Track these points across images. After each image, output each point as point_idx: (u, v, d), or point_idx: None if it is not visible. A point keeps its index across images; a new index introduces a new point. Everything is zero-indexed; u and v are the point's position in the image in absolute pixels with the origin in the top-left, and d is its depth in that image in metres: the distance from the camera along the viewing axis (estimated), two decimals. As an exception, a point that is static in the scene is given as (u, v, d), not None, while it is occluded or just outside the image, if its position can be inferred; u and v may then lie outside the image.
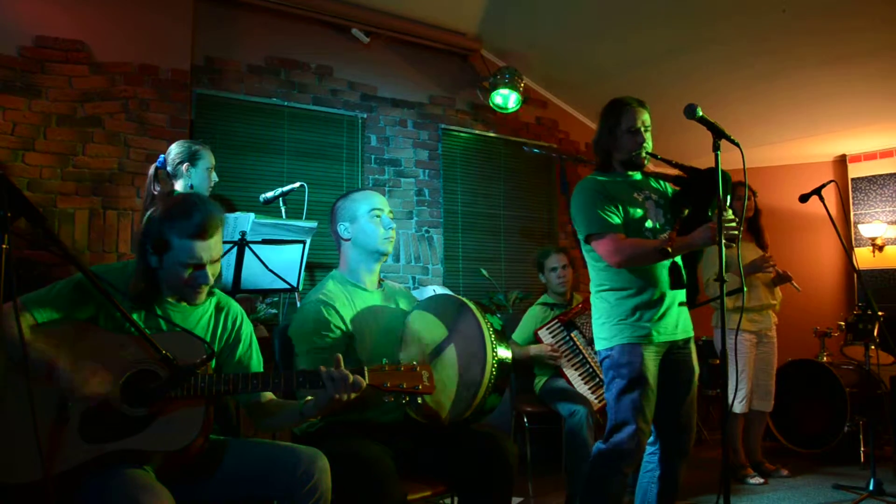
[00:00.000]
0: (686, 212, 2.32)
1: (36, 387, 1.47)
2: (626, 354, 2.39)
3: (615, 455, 2.38)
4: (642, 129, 2.46)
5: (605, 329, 2.48)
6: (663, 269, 2.42)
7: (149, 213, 1.82)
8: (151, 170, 3.07)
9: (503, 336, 2.09)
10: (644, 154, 2.47)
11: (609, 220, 2.38)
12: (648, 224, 2.45)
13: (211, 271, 1.81)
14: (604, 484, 2.41)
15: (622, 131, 2.47)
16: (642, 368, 2.36)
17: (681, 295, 2.49)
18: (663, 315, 2.42)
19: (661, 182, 2.61)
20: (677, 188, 2.56)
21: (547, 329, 3.66)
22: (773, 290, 3.95)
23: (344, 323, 2.18)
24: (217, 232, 1.79)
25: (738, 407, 3.78)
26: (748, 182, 3.97)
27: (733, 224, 2.15)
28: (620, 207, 2.42)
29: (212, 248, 1.78)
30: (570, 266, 3.87)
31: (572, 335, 3.60)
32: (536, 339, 3.67)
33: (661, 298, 2.42)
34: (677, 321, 2.47)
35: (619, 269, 2.42)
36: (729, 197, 2.24)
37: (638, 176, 2.57)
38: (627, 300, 2.42)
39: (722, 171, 2.28)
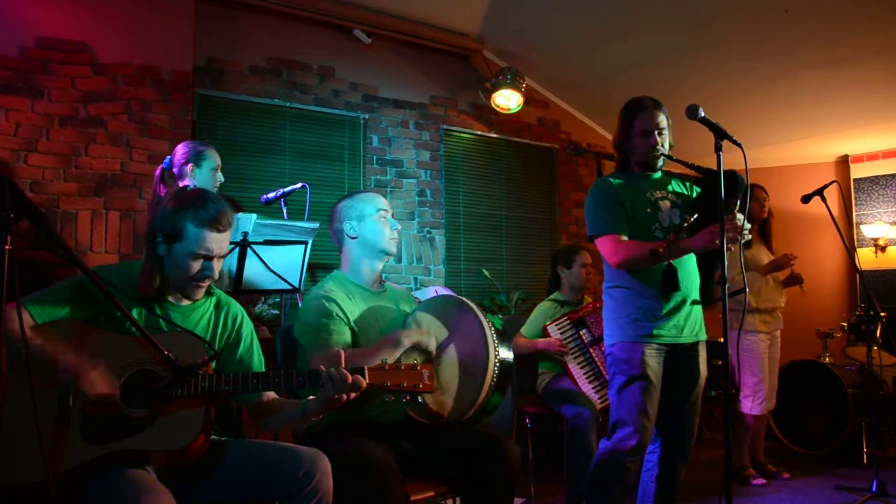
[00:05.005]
0: (694, 214, 2.31)
1: (37, 387, 1.47)
2: (625, 351, 2.43)
3: (618, 452, 2.40)
4: (656, 131, 2.46)
5: (610, 325, 2.53)
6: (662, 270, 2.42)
7: (162, 205, 1.84)
8: (158, 171, 3.08)
9: (504, 336, 2.11)
10: (658, 155, 2.47)
11: (611, 221, 2.41)
12: (659, 225, 2.46)
13: (216, 266, 1.83)
14: (608, 481, 2.42)
15: (636, 134, 2.48)
16: (642, 365, 2.38)
17: (693, 296, 2.49)
18: (666, 315, 2.42)
19: (686, 183, 2.62)
20: (700, 190, 2.56)
21: (556, 325, 3.67)
22: (782, 292, 3.95)
23: (346, 318, 2.19)
24: (228, 229, 1.84)
25: (759, 409, 3.79)
26: (762, 184, 3.97)
27: (739, 228, 2.14)
28: (628, 208, 2.44)
29: (222, 242, 1.83)
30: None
31: (580, 333, 3.61)
32: (545, 334, 3.68)
33: (665, 299, 2.41)
34: (684, 323, 2.46)
35: (620, 269, 2.45)
36: (738, 200, 2.24)
37: (657, 175, 2.57)
38: (630, 299, 2.46)
39: (737, 173, 2.28)
